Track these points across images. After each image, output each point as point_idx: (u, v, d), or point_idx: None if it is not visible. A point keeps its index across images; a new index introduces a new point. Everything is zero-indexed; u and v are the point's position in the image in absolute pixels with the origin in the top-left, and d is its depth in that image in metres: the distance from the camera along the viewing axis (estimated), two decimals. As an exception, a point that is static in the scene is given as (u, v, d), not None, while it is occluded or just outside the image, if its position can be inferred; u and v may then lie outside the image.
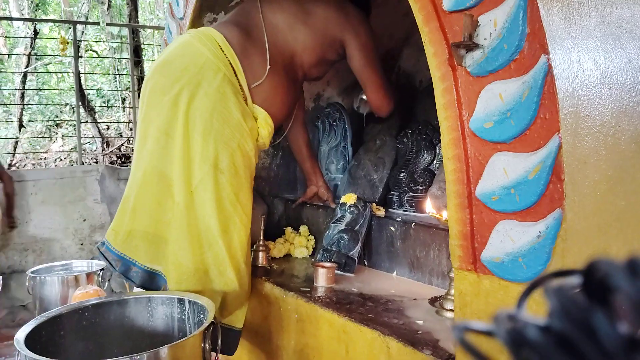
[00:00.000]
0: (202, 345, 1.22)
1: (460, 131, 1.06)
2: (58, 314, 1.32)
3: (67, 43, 4.37)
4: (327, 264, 1.73)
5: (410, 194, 1.91)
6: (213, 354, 1.29)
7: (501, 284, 1.03)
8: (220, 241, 1.58)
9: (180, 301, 1.44)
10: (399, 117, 2.22)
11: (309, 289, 1.66)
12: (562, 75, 0.98)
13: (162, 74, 1.64)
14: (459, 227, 1.08)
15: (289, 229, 2.17)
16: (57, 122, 6.28)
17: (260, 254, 1.97)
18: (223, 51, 1.65)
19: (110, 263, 1.66)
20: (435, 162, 1.91)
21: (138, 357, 1.09)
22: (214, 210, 1.57)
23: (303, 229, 2.16)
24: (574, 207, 0.96)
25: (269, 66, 1.72)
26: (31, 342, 1.17)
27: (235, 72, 1.66)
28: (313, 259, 2.04)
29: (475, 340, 0.29)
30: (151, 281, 1.63)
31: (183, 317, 1.43)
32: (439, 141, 1.90)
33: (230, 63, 1.66)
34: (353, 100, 2.06)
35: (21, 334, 1.19)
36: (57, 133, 6.25)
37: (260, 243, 1.99)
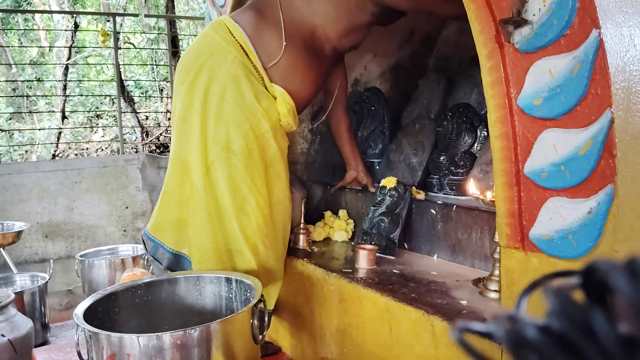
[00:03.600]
0: (251, 321, 1.25)
1: (508, 109, 1.06)
2: (113, 292, 1.38)
3: (108, 35, 4.48)
4: (369, 246, 1.75)
5: (451, 177, 1.90)
6: (260, 331, 1.32)
7: (550, 261, 1.03)
8: (234, 221, 1.62)
9: (228, 280, 1.48)
10: (439, 100, 2.21)
11: (350, 270, 1.68)
12: (613, 50, 0.96)
13: (181, 64, 1.73)
14: (507, 206, 1.08)
15: (328, 213, 2.19)
16: (98, 113, 6.45)
17: (301, 237, 2.00)
18: (233, 35, 1.67)
19: (144, 244, 1.78)
20: (476, 144, 1.89)
21: (192, 330, 1.14)
22: (227, 191, 1.62)
23: (342, 212, 2.18)
24: (626, 182, 0.95)
25: (284, 43, 1.68)
26: (88, 317, 1.23)
27: (247, 54, 1.66)
28: (353, 242, 2.06)
29: (476, 341, 0.29)
30: (177, 263, 1.72)
31: (230, 295, 1.48)
32: (480, 124, 1.89)
33: (241, 45, 1.66)
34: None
35: (80, 309, 1.26)
36: (97, 124, 6.42)
37: (301, 226, 2.01)
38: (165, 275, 1.51)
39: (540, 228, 1.03)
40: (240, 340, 1.22)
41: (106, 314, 1.34)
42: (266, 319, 1.32)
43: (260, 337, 1.29)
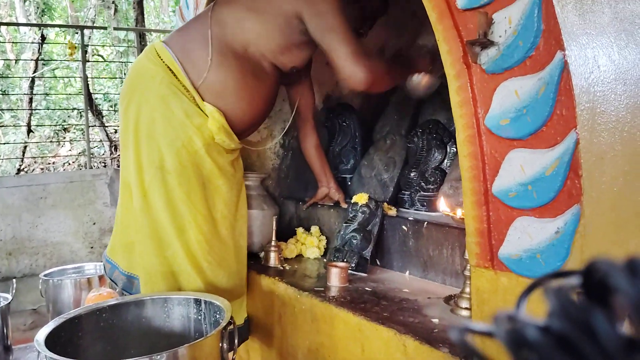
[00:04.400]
0: (220, 344, 1.22)
1: (475, 128, 1.07)
2: (76, 315, 1.33)
3: (76, 48, 4.40)
4: (341, 264, 1.73)
5: (422, 193, 1.91)
6: (230, 354, 1.29)
7: (519, 280, 1.03)
8: (176, 241, 1.62)
9: (197, 302, 1.45)
10: (409, 116, 2.23)
11: (322, 289, 1.67)
12: (577, 72, 0.98)
13: (121, 91, 1.78)
14: (476, 225, 1.08)
15: (300, 230, 2.18)
16: (65, 126, 6.32)
17: (273, 255, 1.97)
18: (161, 57, 1.68)
19: (104, 266, 1.80)
20: (446, 160, 1.91)
21: (158, 357, 1.10)
22: (165, 210, 1.62)
23: (314, 229, 2.16)
24: (592, 203, 0.96)
25: (209, 59, 1.66)
26: (50, 343, 1.18)
27: (175, 74, 1.66)
28: (325, 259, 2.05)
29: (476, 341, 0.29)
30: (131, 286, 1.71)
31: (199, 317, 1.44)
32: (450, 140, 1.91)
33: (169, 66, 1.66)
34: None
35: (41, 334, 1.21)
36: (65, 137, 6.29)
37: (273, 244, 1.99)
38: (131, 297, 1.47)
39: (509, 247, 1.03)
40: None
41: (69, 338, 1.29)
42: (236, 340, 1.29)
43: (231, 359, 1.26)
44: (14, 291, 2.58)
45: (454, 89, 1.10)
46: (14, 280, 2.67)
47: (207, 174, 1.68)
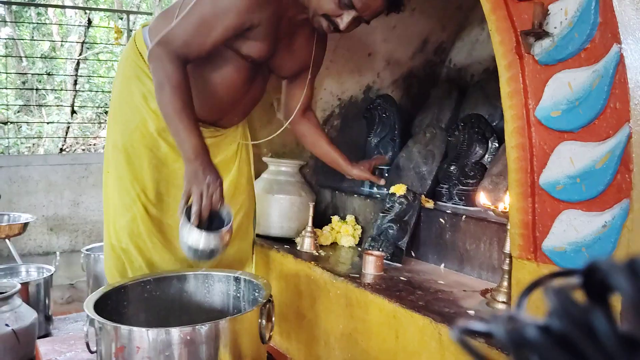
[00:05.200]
0: (259, 321, 1.26)
1: (525, 119, 1.07)
2: (123, 285, 1.39)
3: (121, 32, 4.51)
4: (376, 253, 1.75)
5: (460, 187, 1.91)
6: (268, 330, 1.32)
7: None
8: (122, 218, 1.60)
9: (237, 279, 1.49)
10: (450, 110, 2.22)
11: (357, 276, 1.69)
12: (633, 65, 0.97)
13: None
14: (521, 216, 1.08)
15: (335, 218, 2.20)
16: (107, 109, 6.49)
17: (308, 240, 2.00)
18: (135, 40, 1.66)
19: None
20: (487, 156, 1.90)
21: (201, 327, 1.14)
22: (116, 188, 1.62)
23: (350, 218, 2.18)
24: (642, 198, 0.95)
25: None
26: (97, 309, 1.24)
27: (142, 55, 1.60)
28: (360, 248, 2.06)
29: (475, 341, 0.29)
30: None
31: (238, 294, 1.48)
32: (492, 135, 1.90)
33: (138, 49, 1.62)
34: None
35: (90, 300, 1.26)
36: (106, 120, 6.46)
37: (308, 230, 2.02)
38: (174, 271, 1.51)
39: (554, 240, 1.03)
40: (248, 339, 1.23)
41: (115, 307, 1.35)
42: (273, 318, 1.32)
43: (268, 336, 1.29)
44: (57, 263, 2.68)
45: (505, 80, 1.10)
46: (57, 253, 2.77)
47: (163, 157, 1.62)
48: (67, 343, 2.02)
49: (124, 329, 1.14)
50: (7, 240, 3.16)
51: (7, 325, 2.10)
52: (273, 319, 1.32)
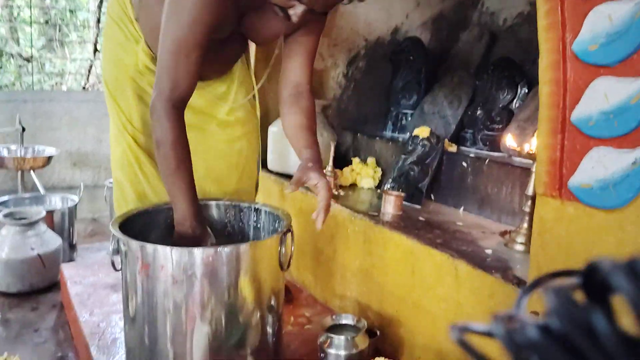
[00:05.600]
0: (279, 248, 1.28)
1: (561, 53, 1.03)
2: (148, 209, 1.42)
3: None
4: (396, 193, 1.75)
5: (486, 132, 1.89)
6: (287, 258, 1.34)
7: (586, 211, 1.02)
8: (116, 149, 1.62)
9: (257, 210, 1.51)
10: (480, 54, 2.17)
11: (376, 214, 1.70)
12: (680, -1, 0.93)
13: None
14: (548, 153, 1.07)
15: (356, 160, 2.20)
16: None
17: (329, 180, 2.01)
18: None
19: None
20: (515, 101, 1.86)
21: (223, 249, 1.17)
22: (110, 124, 1.63)
23: (371, 160, 2.18)
24: (676, 137, 0.93)
25: None
26: (122, 231, 1.27)
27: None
28: (380, 190, 2.07)
29: (475, 341, 0.29)
30: None
31: (259, 225, 1.51)
32: (522, 79, 1.86)
33: None
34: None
35: (116, 222, 1.30)
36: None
37: (329, 169, 2.02)
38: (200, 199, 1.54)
39: (581, 177, 1.02)
40: (267, 265, 1.26)
41: (139, 230, 1.38)
42: (292, 247, 1.34)
43: (286, 265, 1.32)
44: (81, 194, 2.75)
45: (543, 12, 1.07)
46: (82, 184, 2.83)
47: (147, 87, 1.57)
48: (91, 268, 2.09)
49: (149, 247, 1.18)
50: (31, 172, 3.23)
51: (32, 249, 2.18)
52: (292, 248, 1.35)
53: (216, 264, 1.17)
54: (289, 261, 1.33)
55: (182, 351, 1.21)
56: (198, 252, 1.16)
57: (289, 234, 1.33)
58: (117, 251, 1.27)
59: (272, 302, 1.29)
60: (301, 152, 1.38)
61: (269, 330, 1.30)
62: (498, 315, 0.29)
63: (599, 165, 0.99)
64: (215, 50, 1.46)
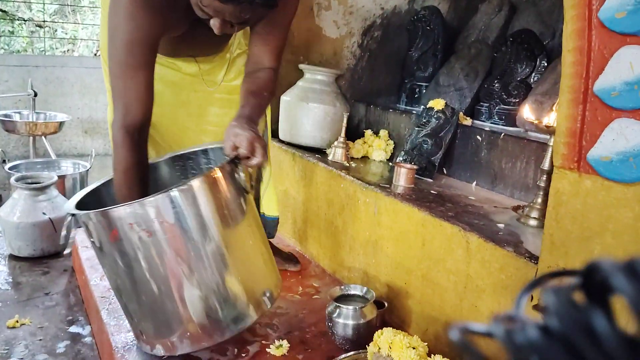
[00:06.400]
0: (235, 173, 1.22)
1: (587, 21, 1.00)
2: (100, 185, 1.41)
3: None
4: (408, 165, 1.73)
5: (502, 106, 1.85)
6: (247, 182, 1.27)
7: (604, 184, 1.00)
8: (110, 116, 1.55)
9: (204, 152, 1.49)
10: (499, 26, 2.11)
11: (388, 186, 1.68)
12: None
13: None
14: (568, 124, 1.04)
15: (368, 132, 2.17)
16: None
17: (340, 151, 1.99)
18: None
19: None
20: (534, 74, 1.82)
21: (173, 191, 1.12)
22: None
23: (383, 132, 2.15)
24: (703, 110, 0.90)
25: None
26: (80, 207, 1.25)
27: None
28: (391, 162, 2.05)
29: (475, 341, 0.28)
30: None
31: (210, 165, 1.48)
32: (541, 52, 1.81)
33: None
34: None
35: (71, 202, 1.27)
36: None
37: (341, 140, 2.00)
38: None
39: (601, 149, 0.99)
40: (228, 192, 1.21)
41: (96, 205, 1.32)
42: (250, 170, 1.25)
43: (250, 187, 1.26)
44: (92, 160, 2.75)
45: (569, -23, 1.02)
46: (93, 151, 2.84)
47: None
48: (101, 233, 2.10)
49: (113, 211, 1.14)
50: (43, 138, 3.24)
51: (44, 213, 2.19)
52: (250, 171, 1.26)
53: (177, 205, 1.13)
54: (251, 184, 1.27)
55: (179, 300, 1.19)
56: (154, 200, 1.12)
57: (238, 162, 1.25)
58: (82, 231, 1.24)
59: (250, 224, 1.27)
60: (237, 112, 1.32)
61: (253, 252, 1.27)
62: (498, 315, 0.29)
63: (620, 137, 0.97)
64: (191, 38, 1.43)
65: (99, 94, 4.11)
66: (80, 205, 1.27)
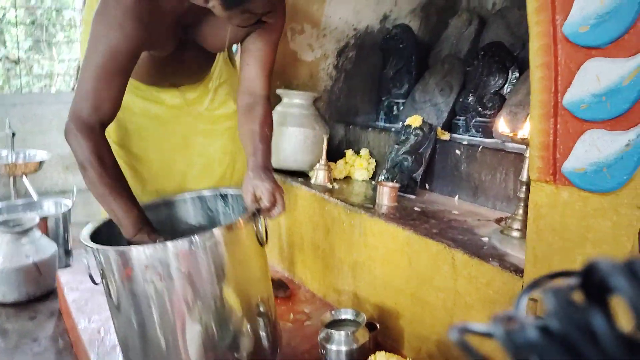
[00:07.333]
0: (254, 226, 1.23)
1: (552, 36, 1.02)
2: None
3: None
4: (390, 184, 1.74)
5: (478, 118, 1.87)
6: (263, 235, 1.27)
7: (581, 195, 1.01)
8: None
9: (224, 196, 1.48)
10: (470, 40, 2.15)
11: (371, 206, 1.69)
12: (669, -24, 0.91)
13: None
14: (541, 138, 1.05)
15: (349, 152, 2.18)
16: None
17: (322, 173, 1.99)
18: None
19: None
20: (507, 86, 1.85)
21: (198, 236, 1.11)
22: None
23: (364, 152, 2.17)
24: (669, 116, 0.92)
25: None
26: (93, 240, 1.23)
27: None
28: (374, 182, 2.06)
29: (475, 341, 0.29)
30: None
31: (228, 210, 1.48)
32: (512, 64, 1.84)
33: None
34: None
35: (85, 232, 1.25)
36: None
37: (322, 162, 2.01)
38: (159, 199, 1.51)
39: (574, 161, 1.01)
40: (246, 244, 1.21)
41: (108, 238, 1.31)
42: (265, 222, 1.26)
43: (265, 241, 1.26)
44: (74, 198, 2.72)
45: (531, -6, 1.05)
46: (75, 187, 2.81)
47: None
48: (87, 274, 2.07)
49: (131, 250, 1.12)
50: (23, 178, 3.20)
51: (27, 257, 2.16)
52: (265, 222, 1.27)
53: (197, 253, 1.11)
54: (266, 236, 1.27)
55: (182, 346, 1.17)
56: (175, 245, 1.11)
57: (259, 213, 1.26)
58: (93, 263, 1.23)
59: (260, 279, 1.26)
60: (248, 160, 1.35)
61: (262, 307, 1.26)
62: (497, 315, 0.29)
63: (593, 148, 0.98)
64: (179, 60, 1.44)
65: (79, 129, 4.08)
66: (94, 236, 1.25)
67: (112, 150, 1.49)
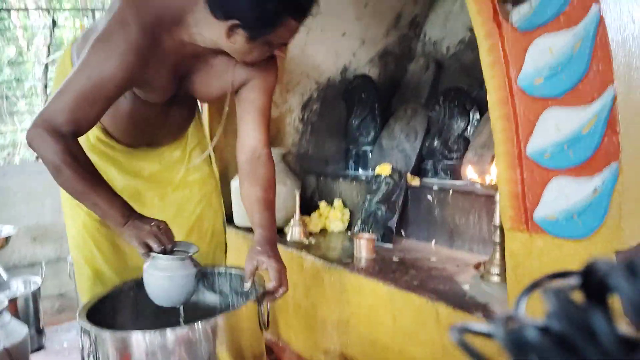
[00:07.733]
0: (257, 311, 1.22)
1: (508, 89, 1.04)
2: (107, 294, 1.35)
3: (87, 31, 4.37)
4: (367, 235, 1.73)
5: (445, 161, 1.89)
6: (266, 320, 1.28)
7: (555, 242, 1.02)
8: (70, 230, 1.58)
9: (220, 274, 1.45)
10: (428, 84, 2.20)
11: (350, 260, 1.67)
12: (613, 25, 0.94)
13: None
14: (510, 188, 1.06)
15: (323, 204, 2.17)
16: (81, 112, 6.32)
17: (297, 229, 1.98)
18: (64, 57, 1.57)
19: None
20: (469, 128, 1.88)
21: (198, 326, 1.10)
22: (64, 201, 1.62)
23: (337, 202, 2.16)
24: (630, 159, 0.93)
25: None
26: (89, 320, 1.19)
27: None
28: (349, 232, 2.04)
29: (475, 342, 0.29)
30: None
31: (225, 289, 1.44)
32: (472, 106, 1.88)
33: (69, 64, 1.48)
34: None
35: (82, 311, 1.22)
36: (80, 123, 6.30)
37: (297, 218, 1.99)
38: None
39: (545, 209, 1.02)
40: (247, 330, 1.19)
41: (105, 316, 1.30)
42: (268, 308, 1.27)
43: (266, 325, 1.25)
44: (43, 275, 2.63)
45: (485, 50, 1.08)
46: (43, 263, 2.71)
47: (98, 163, 1.46)
48: (61, 355, 1.99)
49: (131, 336, 1.08)
50: (-10, 255, 3.08)
51: (-2, 342, 2.05)
52: (269, 306, 1.28)
53: (197, 339, 1.10)
54: (268, 320, 1.26)
55: None
56: (176, 332, 1.09)
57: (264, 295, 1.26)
58: (87, 343, 1.19)
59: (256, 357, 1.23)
60: (255, 231, 1.33)
61: None
62: (498, 316, 0.29)
63: (561, 196, 0.99)
64: (164, 115, 1.43)
65: (45, 198, 3.98)
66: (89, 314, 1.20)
67: (94, 227, 1.45)
